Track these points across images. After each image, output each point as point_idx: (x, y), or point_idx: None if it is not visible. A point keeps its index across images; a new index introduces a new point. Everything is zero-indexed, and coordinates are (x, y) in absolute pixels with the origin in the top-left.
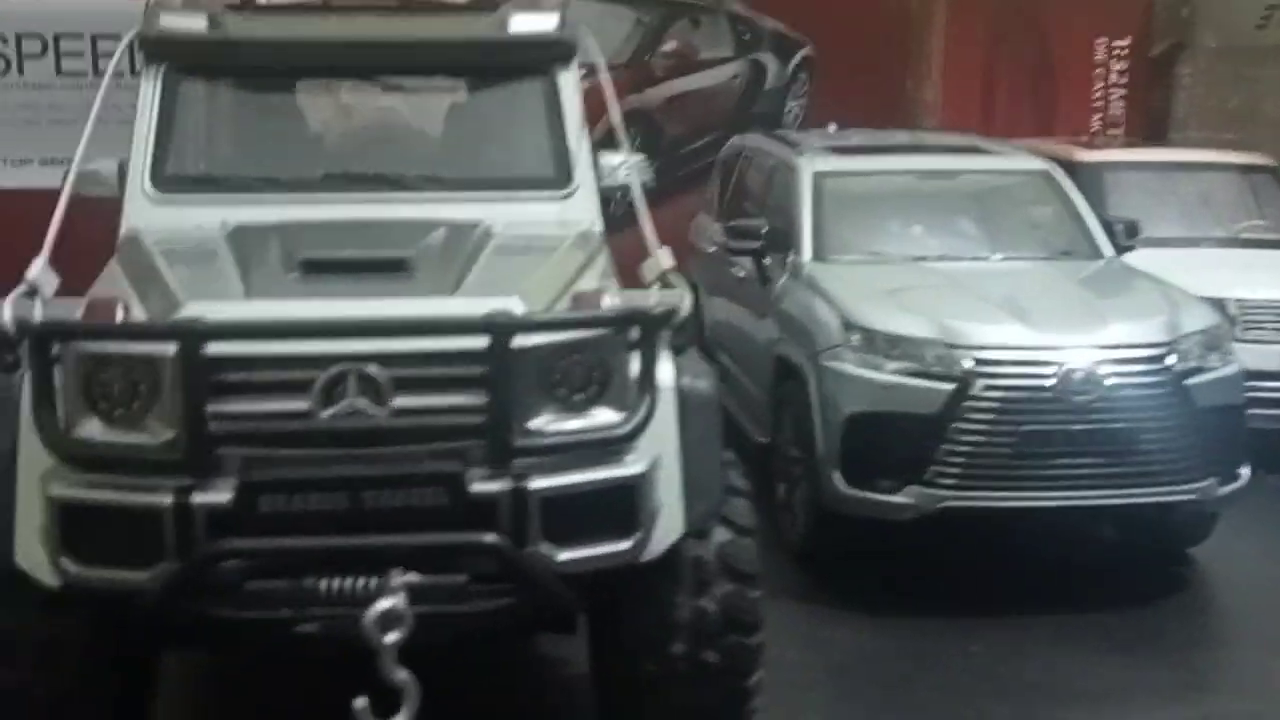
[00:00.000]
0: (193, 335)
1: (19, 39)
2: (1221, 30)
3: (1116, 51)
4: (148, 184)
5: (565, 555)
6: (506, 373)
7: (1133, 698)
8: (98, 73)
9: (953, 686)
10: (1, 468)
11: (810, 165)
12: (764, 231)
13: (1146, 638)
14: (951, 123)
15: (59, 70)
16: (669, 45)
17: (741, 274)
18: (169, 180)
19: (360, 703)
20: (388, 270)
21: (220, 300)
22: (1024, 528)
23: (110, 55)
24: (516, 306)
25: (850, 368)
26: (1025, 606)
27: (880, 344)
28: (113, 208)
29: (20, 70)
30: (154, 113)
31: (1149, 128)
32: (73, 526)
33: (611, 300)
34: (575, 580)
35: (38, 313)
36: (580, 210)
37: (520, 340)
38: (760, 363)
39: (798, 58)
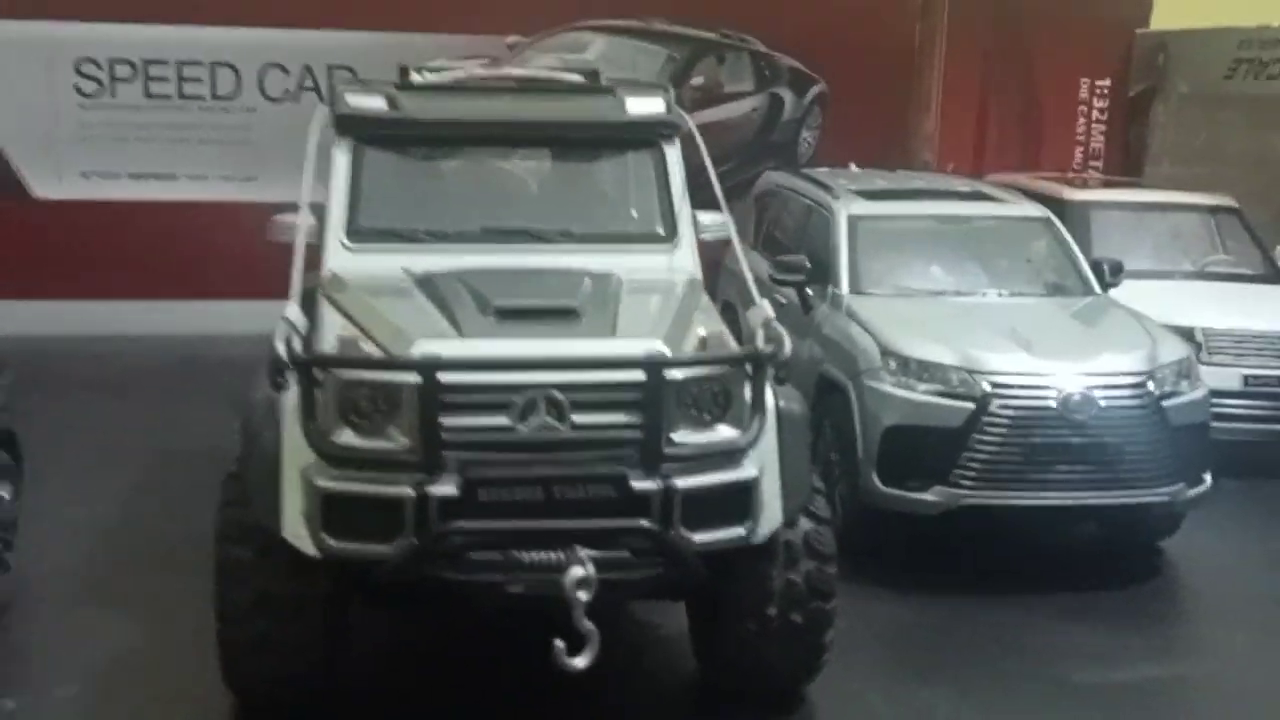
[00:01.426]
0: (431, 367)
1: (111, 64)
2: (1192, 77)
3: (1098, 90)
4: (343, 235)
5: (699, 537)
6: (658, 399)
7: (1117, 659)
8: (183, 95)
9: (972, 649)
10: (271, 464)
11: (845, 209)
12: (807, 267)
13: (1127, 613)
14: (949, 152)
15: (147, 94)
16: (696, 79)
17: (783, 301)
18: (359, 232)
19: (559, 643)
20: (562, 316)
21: (441, 339)
22: (1024, 523)
23: (194, 79)
24: (663, 347)
25: (887, 387)
26: (1027, 588)
27: (913, 368)
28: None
29: (112, 93)
30: (346, 176)
31: (1126, 161)
32: (332, 510)
33: (731, 343)
34: (703, 556)
35: (298, 346)
36: (684, 260)
37: (668, 374)
38: (801, 378)
39: (812, 93)
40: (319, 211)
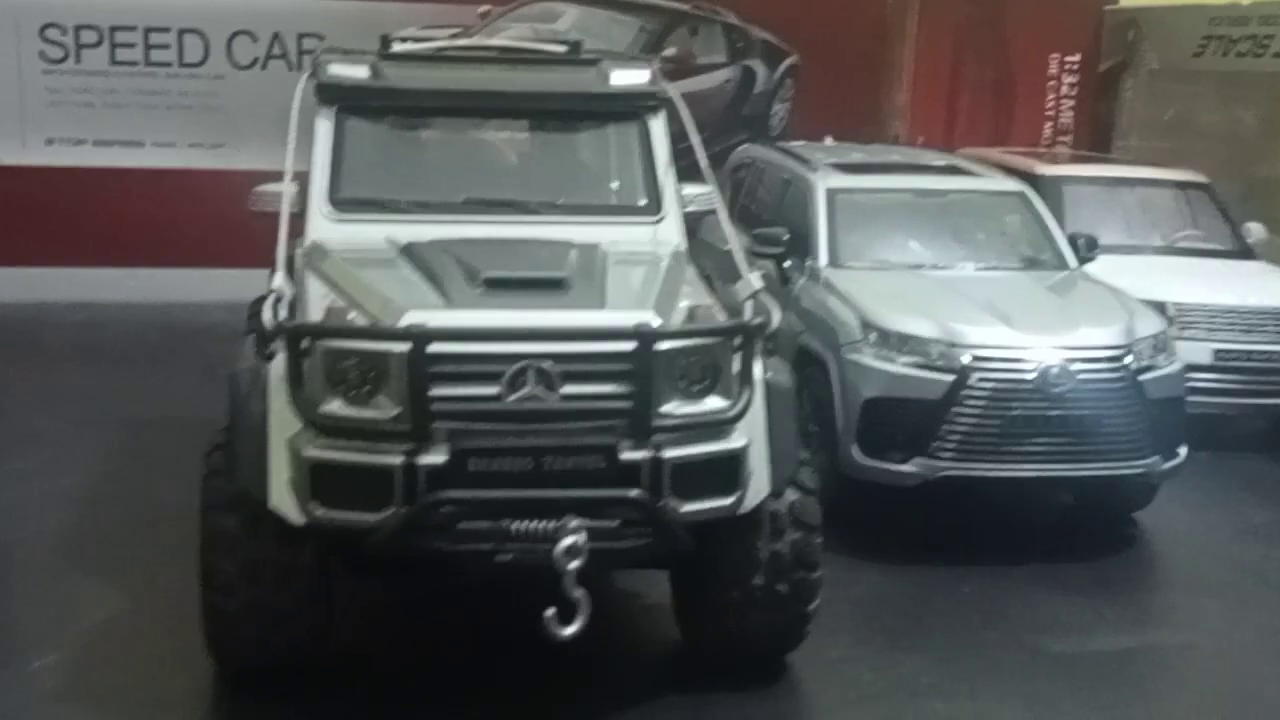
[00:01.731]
0: (421, 337)
1: (77, 30)
2: (1162, 54)
3: (1068, 66)
4: (325, 204)
5: (687, 507)
6: (648, 370)
7: (1093, 629)
8: (149, 63)
9: (952, 618)
10: (257, 433)
11: (824, 182)
12: (785, 239)
13: (1103, 583)
14: (920, 126)
15: (114, 60)
16: (669, 51)
17: (761, 273)
18: (342, 201)
19: (549, 612)
20: (550, 287)
21: (430, 309)
22: (1001, 494)
23: (161, 46)
24: (653, 318)
25: (868, 360)
26: (1005, 558)
27: (893, 341)
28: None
29: (78, 59)
30: (329, 145)
31: (1094, 135)
32: (321, 479)
33: (719, 315)
34: (690, 526)
35: (284, 315)
36: (669, 232)
37: (658, 345)
38: (780, 350)
39: (785, 65)
40: (301, 181)
